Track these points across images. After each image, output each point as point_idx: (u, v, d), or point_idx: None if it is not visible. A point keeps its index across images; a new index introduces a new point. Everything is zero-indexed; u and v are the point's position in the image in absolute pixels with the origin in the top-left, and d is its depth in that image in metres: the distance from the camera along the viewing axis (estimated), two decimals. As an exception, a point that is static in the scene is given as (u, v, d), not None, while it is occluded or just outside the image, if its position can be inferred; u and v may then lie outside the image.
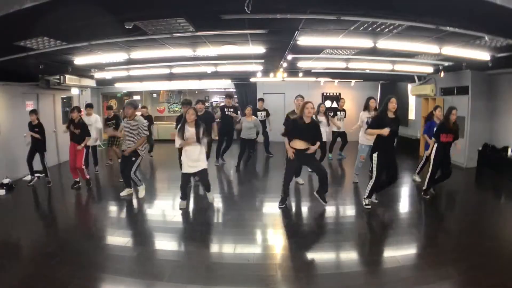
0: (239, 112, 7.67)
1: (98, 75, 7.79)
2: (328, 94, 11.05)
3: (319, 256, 3.38)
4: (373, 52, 5.21)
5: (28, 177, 6.01)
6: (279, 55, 5.89)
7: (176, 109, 12.30)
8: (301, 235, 3.89)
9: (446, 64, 6.34)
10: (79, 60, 5.55)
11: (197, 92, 12.12)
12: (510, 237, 3.73)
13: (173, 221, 4.31)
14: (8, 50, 4.28)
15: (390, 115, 4.26)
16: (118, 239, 3.72)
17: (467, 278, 2.79)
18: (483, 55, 4.97)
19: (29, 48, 4.25)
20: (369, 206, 4.44)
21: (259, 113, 8.04)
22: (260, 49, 5.28)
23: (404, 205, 4.99)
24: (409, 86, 9.25)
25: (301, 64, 7.13)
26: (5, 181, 5.63)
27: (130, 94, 12.12)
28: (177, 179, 4.86)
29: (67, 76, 7.04)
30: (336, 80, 10.56)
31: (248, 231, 3.91)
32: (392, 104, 4.22)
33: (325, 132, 6.33)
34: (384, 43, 4.51)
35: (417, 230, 3.97)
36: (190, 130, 4.36)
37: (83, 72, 7.27)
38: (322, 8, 3.23)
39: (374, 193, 4.58)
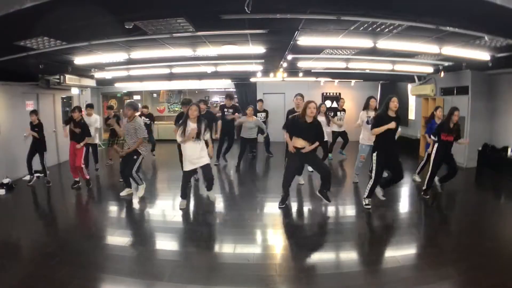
0: (237, 113, 7.62)
1: (98, 75, 7.79)
2: (328, 94, 11.05)
3: (319, 256, 3.38)
4: (373, 52, 5.20)
5: (28, 177, 6.01)
6: (279, 55, 5.89)
7: (176, 109, 12.31)
8: (301, 235, 3.89)
9: (446, 64, 6.34)
10: (79, 60, 5.55)
11: (197, 92, 12.13)
12: (510, 237, 3.73)
13: (173, 221, 4.31)
14: (8, 50, 4.28)
15: (391, 114, 4.25)
16: (118, 239, 3.72)
17: (467, 278, 2.79)
18: (483, 55, 4.97)
19: (29, 48, 4.25)
20: (369, 206, 4.44)
21: (258, 114, 8.03)
22: (260, 49, 5.28)
23: (404, 205, 4.99)
24: (409, 86, 9.24)
25: (301, 64, 7.13)
26: (5, 180, 5.63)
27: (130, 94, 12.14)
28: (177, 179, 4.86)
29: (67, 76, 7.04)
30: (336, 80, 10.55)
31: (248, 231, 3.90)
32: (394, 103, 4.21)
33: (326, 132, 6.32)
34: (384, 43, 4.51)
35: (417, 230, 3.97)
36: (191, 126, 4.35)
37: (83, 72, 7.26)
38: (322, 8, 3.22)
39: (382, 189, 4.58)
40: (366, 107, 5.61)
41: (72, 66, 6.08)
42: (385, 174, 5.00)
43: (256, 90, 10.86)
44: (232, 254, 3.41)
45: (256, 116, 7.74)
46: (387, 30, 3.91)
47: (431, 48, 4.70)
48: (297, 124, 4.26)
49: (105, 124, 7.48)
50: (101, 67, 6.89)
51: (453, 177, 5.00)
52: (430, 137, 5.33)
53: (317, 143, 4.28)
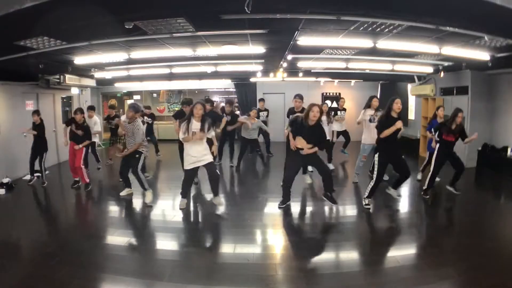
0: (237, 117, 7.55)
1: (98, 74, 7.79)
2: (328, 94, 11.05)
3: (319, 256, 3.38)
4: (373, 52, 5.20)
5: (28, 177, 6.01)
6: (279, 55, 5.89)
7: (176, 108, 12.30)
8: (301, 235, 3.89)
9: (446, 64, 6.34)
10: (79, 59, 5.55)
11: (197, 92, 12.13)
12: (510, 237, 3.74)
13: (173, 221, 4.31)
14: (8, 49, 4.28)
15: (394, 115, 4.25)
16: (118, 239, 3.72)
17: (467, 278, 2.79)
18: (483, 55, 4.97)
19: (29, 48, 4.25)
20: (369, 206, 4.44)
21: (261, 113, 8.06)
22: (260, 49, 5.28)
23: (404, 205, 4.99)
24: (409, 86, 9.25)
25: (301, 64, 7.13)
26: (5, 180, 5.63)
27: (130, 94, 12.15)
28: (178, 178, 4.85)
29: (67, 76, 7.04)
30: (336, 80, 10.56)
31: (248, 231, 3.90)
32: (397, 105, 4.21)
33: (327, 131, 6.31)
34: (384, 43, 4.51)
35: (417, 230, 3.97)
36: (195, 124, 4.29)
37: (83, 71, 7.26)
38: (322, 8, 3.22)
39: (397, 188, 4.59)
40: (368, 106, 5.59)
41: (72, 66, 6.08)
42: (385, 177, 5.00)
43: (256, 90, 10.86)
44: (232, 254, 3.41)
45: (259, 115, 7.74)
46: (387, 30, 3.92)
47: (431, 48, 4.70)
48: (300, 125, 4.26)
49: (107, 123, 7.47)
50: (101, 67, 6.90)
51: (462, 174, 4.93)
52: (431, 132, 5.35)
53: (316, 148, 4.25)
